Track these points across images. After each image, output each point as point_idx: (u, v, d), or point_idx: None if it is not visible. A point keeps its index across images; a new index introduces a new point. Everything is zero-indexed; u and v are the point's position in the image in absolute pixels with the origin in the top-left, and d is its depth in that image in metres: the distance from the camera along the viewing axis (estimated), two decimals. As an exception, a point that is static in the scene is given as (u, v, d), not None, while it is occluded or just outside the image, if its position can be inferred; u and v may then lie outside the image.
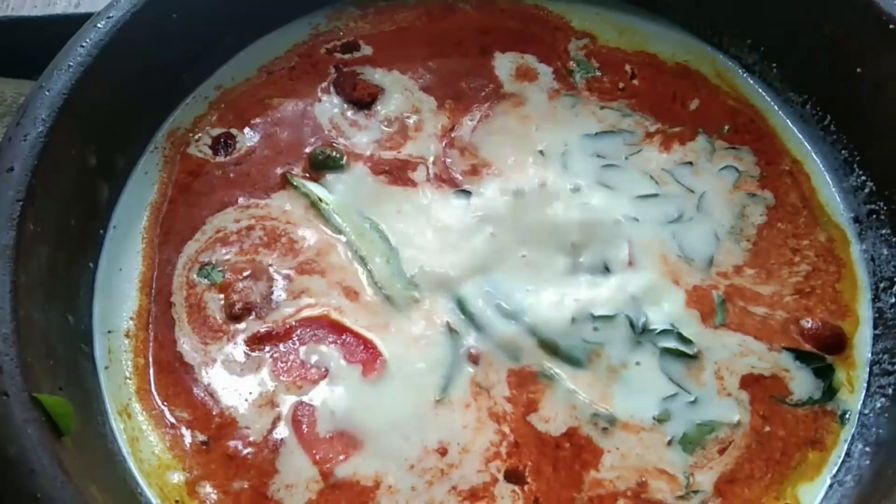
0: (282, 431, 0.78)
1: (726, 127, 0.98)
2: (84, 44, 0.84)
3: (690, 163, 0.95)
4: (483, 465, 0.78)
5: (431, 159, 0.93)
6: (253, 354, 0.82)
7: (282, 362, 0.82)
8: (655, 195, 0.92)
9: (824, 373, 0.83)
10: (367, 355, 0.82)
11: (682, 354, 0.83)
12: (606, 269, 0.87)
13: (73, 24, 1.15)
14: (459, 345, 0.83)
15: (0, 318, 0.68)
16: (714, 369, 0.83)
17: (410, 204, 0.91)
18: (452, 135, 0.95)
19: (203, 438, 0.78)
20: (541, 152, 0.94)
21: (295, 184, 0.92)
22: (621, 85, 1.00)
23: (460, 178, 0.92)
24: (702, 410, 0.81)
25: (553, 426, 0.80)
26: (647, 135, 0.97)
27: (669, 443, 0.79)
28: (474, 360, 0.82)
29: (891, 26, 0.84)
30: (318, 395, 0.80)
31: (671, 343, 0.83)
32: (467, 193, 0.91)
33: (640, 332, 0.84)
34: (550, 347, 0.83)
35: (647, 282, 0.86)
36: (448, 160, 0.93)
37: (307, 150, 0.94)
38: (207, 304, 0.85)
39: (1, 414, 0.64)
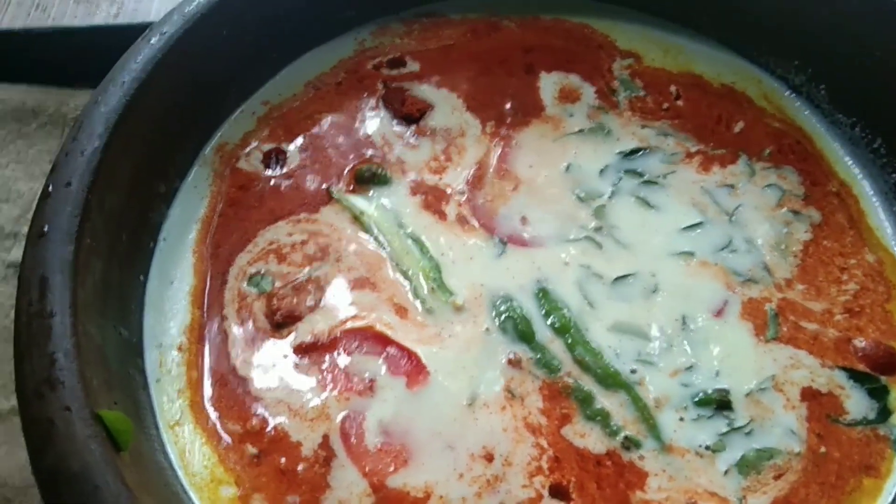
0: (332, 445, 0.78)
1: (767, 150, 0.98)
2: (138, 59, 0.84)
3: (731, 185, 0.95)
4: (527, 480, 0.77)
5: (460, 198, 0.93)
6: (300, 365, 0.83)
7: (329, 374, 0.82)
8: (701, 223, 0.92)
9: (878, 393, 0.83)
10: (411, 367, 0.83)
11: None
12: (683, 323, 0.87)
13: (112, 34, 1.18)
14: (500, 351, 0.83)
15: (61, 334, 0.68)
16: (772, 384, 0.83)
17: (447, 233, 0.91)
18: (483, 170, 0.95)
19: (254, 452, 0.78)
20: (575, 172, 0.95)
21: (336, 197, 0.92)
22: (665, 105, 1.01)
23: (486, 221, 0.92)
24: (762, 436, 0.80)
25: (590, 442, 0.80)
26: (688, 155, 0.97)
27: (726, 472, 0.78)
28: (515, 364, 0.83)
29: (946, 51, 0.84)
30: (365, 407, 0.80)
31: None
32: (504, 244, 0.90)
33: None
34: (588, 368, 0.83)
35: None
36: (473, 202, 0.92)
37: (354, 165, 0.95)
38: (258, 316, 0.85)
39: (64, 429, 0.64)
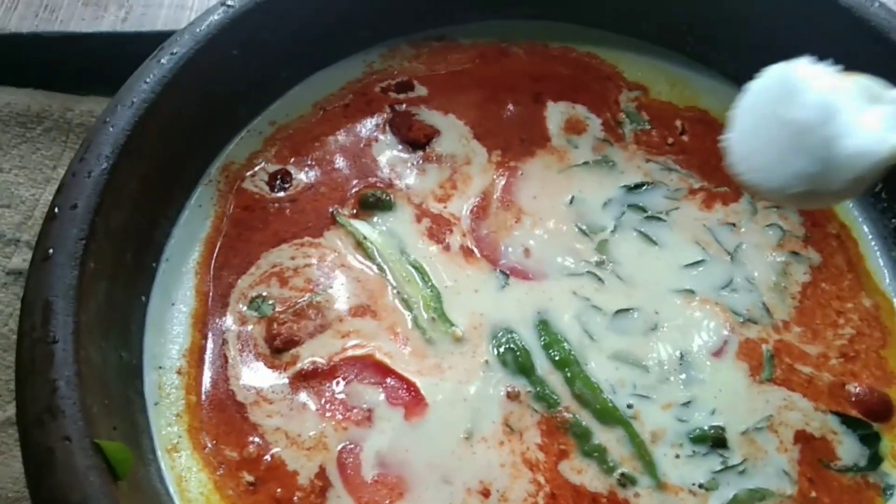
0: (329, 475, 0.79)
1: (771, 189, 0.98)
2: (147, 80, 0.84)
3: (733, 224, 0.96)
4: (524, 518, 0.78)
5: (464, 228, 0.93)
6: (300, 393, 0.83)
7: (328, 402, 0.82)
8: (703, 261, 0.93)
9: (870, 440, 0.84)
10: (409, 397, 0.83)
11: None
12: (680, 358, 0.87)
13: (119, 40, 1.18)
14: (499, 384, 0.84)
15: (63, 361, 0.68)
16: (767, 425, 0.84)
17: (449, 263, 0.91)
18: (487, 200, 0.95)
19: (251, 479, 0.78)
20: (578, 205, 0.96)
21: (341, 222, 0.92)
22: (670, 140, 1.01)
23: (489, 252, 0.92)
24: (755, 477, 0.81)
25: (587, 478, 0.80)
26: (691, 191, 0.98)
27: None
28: (513, 398, 0.83)
29: (949, 102, 0.84)
30: (363, 438, 0.81)
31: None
32: (506, 276, 0.90)
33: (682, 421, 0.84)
34: (587, 403, 0.84)
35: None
36: (477, 232, 0.93)
37: (360, 189, 0.95)
38: (258, 340, 0.86)
39: (63, 460, 0.64)
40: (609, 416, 0.83)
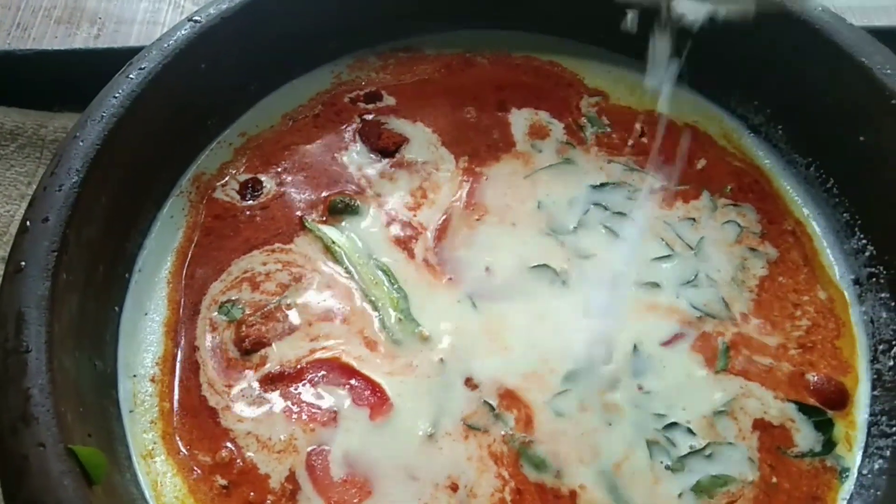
0: (298, 478, 0.80)
1: (729, 187, 1.01)
2: (116, 95, 0.86)
3: (693, 219, 0.99)
4: (491, 515, 0.80)
5: (428, 242, 0.95)
6: (268, 396, 0.84)
7: (294, 405, 0.84)
8: (666, 256, 0.95)
9: (824, 426, 0.86)
10: (374, 398, 0.85)
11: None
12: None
13: (92, 57, 1.20)
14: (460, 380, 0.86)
15: (36, 370, 0.69)
16: (727, 413, 0.86)
17: (414, 271, 0.93)
18: (450, 219, 0.97)
19: (224, 483, 0.80)
20: (544, 208, 0.98)
21: (310, 227, 0.95)
22: (630, 142, 1.04)
23: (453, 275, 0.93)
24: (719, 463, 0.83)
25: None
26: (652, 190, 1.01)
27: (680, 495, 0.81)
28: (473, 387, 0.85)
29: (892, 101, 0.88)
30: (331, 439, 0.82)
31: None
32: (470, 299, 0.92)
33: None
34: None
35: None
36: (440, 254, 0.94)
37: (329, 196, 0.97)
38: (228, 345, 0.87)
39: (38, 466, 0.65)
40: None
